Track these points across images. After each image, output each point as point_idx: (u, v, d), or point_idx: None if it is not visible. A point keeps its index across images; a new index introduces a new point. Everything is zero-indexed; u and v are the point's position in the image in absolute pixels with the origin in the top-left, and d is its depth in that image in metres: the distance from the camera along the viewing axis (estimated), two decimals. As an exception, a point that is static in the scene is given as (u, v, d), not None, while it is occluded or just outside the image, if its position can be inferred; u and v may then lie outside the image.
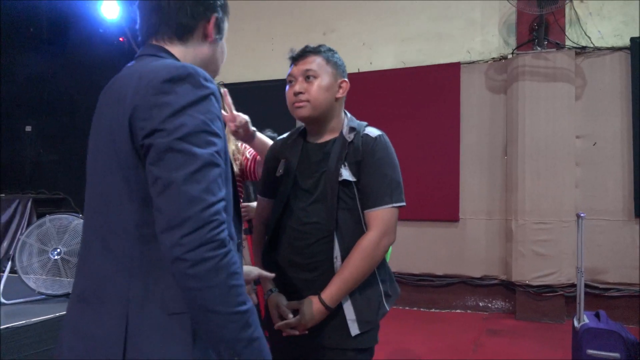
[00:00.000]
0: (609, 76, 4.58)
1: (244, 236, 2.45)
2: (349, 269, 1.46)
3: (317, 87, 1.54)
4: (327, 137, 1.60)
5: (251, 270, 1.48)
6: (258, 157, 2.17)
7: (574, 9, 4.68)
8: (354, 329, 1.49)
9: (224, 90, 1.73)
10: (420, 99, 5.10)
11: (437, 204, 4.95)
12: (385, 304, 1.55)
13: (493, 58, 4.96)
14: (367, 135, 1.55)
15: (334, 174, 1.51)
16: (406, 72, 5.20)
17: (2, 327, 1.87)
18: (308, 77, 1.55)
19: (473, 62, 5.01)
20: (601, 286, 4.47)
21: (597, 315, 2.82)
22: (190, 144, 0.93)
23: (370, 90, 5.12)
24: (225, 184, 1.05)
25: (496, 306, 4.90)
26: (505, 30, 4.97)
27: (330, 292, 1.46)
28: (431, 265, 5.03)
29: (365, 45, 5.41)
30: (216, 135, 0.98)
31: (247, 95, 5.35)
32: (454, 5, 5.09)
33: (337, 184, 1.50)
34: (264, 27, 5.78)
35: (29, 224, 5.09)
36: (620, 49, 4.54)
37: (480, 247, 4.93)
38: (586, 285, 4.41)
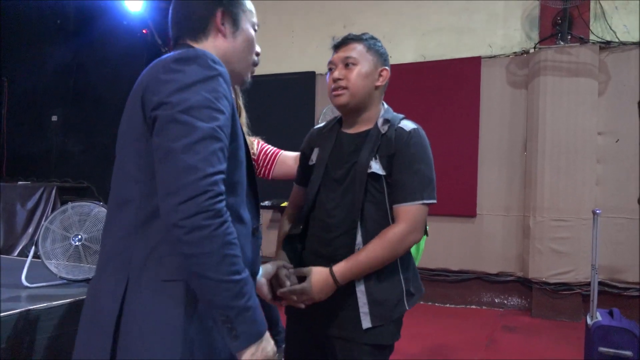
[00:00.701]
0: (634, 72, 4.47)
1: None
2: (365, 253, 1.44)
3: (357, 74, 1.53)
4: (361, 128, 1.58)
5: (267, 268, 1.48)
6: (280, 156, 2.15)
7: (600, 2, 4.58)
8: (366, 322, 1.47)
9: None
10: (440, 93, 5.05)
11: (455, 199, 4.91)
12: (406, 303, 1.52)
13: (515, 52, 4.89)
14: (401, 128, 1.52)
15: (364, 166, 1.49)
16: (426, 66, 5.17)
17: (24, 309, 1.95)
18: (347, 64, 1.54)
19: (494, 56, 4.94)
20: (620, 285, 4.40)
21: (611, 313, 2.78)
22: (192, 117, 0.97)
23: (390, 84, 5.02)
24: (236, 165, 1.10)
25: (512, 303, 4.87)
26: (527, 24, 4.89)
27: (341, 267, 1.43)
28: (447, 260, 5.01)
29: (385, 38, 5.35)
30: (220, 112, 1.02)
31: (267, 87, 5.41)
32: (476, -2, 5.03)
33: (366, 176, 1.48)
34: (285, 21, 5.79)
35: (53, 211, 5.22)
36: (646, 44, 4.44)
37: (497, 243, 4.88)
38: (605, 284, 4.36)
